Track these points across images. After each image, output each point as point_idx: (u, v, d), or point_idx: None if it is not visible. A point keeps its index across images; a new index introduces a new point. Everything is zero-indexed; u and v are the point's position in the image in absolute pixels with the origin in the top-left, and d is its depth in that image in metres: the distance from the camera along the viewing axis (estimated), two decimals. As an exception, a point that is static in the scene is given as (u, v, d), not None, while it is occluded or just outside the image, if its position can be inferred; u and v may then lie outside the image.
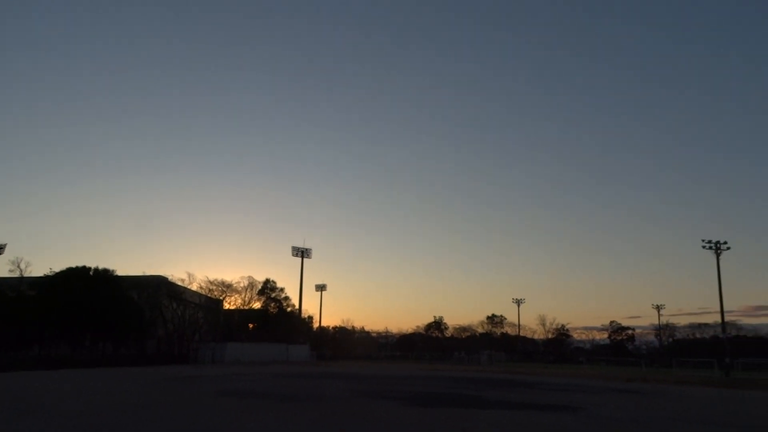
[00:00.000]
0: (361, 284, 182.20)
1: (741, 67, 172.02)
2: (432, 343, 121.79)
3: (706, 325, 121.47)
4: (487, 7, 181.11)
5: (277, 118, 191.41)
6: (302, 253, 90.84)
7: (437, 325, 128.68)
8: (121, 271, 58.21)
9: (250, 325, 79.98)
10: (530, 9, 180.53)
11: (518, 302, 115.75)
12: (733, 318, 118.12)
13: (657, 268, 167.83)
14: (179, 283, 71.39)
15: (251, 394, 22.57)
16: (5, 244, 61.50)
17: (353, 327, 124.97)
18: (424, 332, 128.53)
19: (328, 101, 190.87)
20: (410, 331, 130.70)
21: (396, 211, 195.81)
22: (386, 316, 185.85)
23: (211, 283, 76.48)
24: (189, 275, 77.57)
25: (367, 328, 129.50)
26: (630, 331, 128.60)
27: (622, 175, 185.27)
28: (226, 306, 79.15)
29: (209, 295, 76.87)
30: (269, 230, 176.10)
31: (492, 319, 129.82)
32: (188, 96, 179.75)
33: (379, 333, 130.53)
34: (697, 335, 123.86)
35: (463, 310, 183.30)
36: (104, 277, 55.81)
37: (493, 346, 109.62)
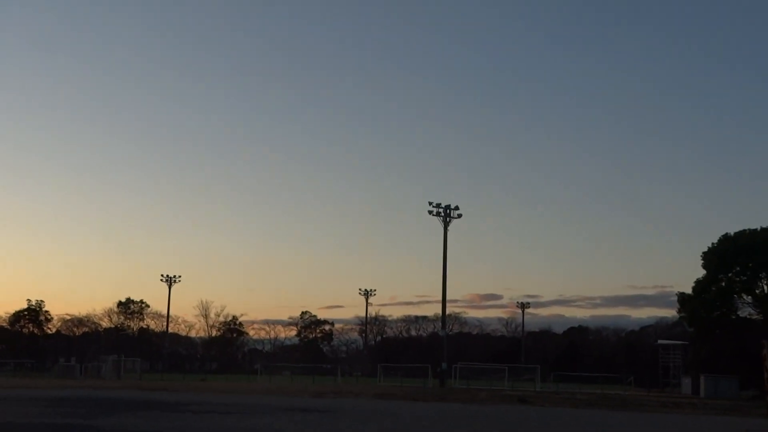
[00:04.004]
0: None
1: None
2: (23, 343, 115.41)
3: (424, 318, 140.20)
4: None
5: None
6: None
7: (34, 314, 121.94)
8: None
9: None
10: None
11: (169, 281, 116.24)
12: (457, 309, 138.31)
13: (370, 242, 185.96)
14: None
15: None
16: None
17: None
18: (9, 326, 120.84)
19: None
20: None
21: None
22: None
23: None
24: None
25: None
26: (328, 326, 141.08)
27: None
28: None
29: None
30: None
31: (126, 306, 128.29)
32: None
33: None
34: (413, 332, 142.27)
35: (81, 294, 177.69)
36: None
37: (126, 349, 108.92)
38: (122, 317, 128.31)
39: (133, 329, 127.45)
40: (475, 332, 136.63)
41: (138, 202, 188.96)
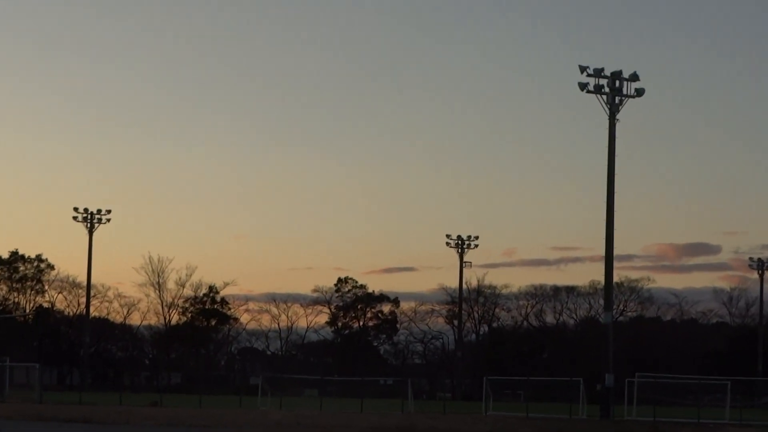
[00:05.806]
0: None
1: None
2: None
3: (571, 290, 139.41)
4: None
5: None
6: None
7: None
8: None
9: None
10: None
11: (90, 221, 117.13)
12: (634, 272, 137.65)
13: (465, 150, 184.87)
14: None
15: None
16: None
17: None
18: None
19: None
20: None
21: None
22: None
23: None
24: None
25: None
26: (388, 306, 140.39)
27: None
28: None
29: None
30: None
31: (12, 268, 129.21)
32: None
33: None
34: (549, 316, 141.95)
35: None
36: None
37: (14, 346, 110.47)
38: (4, 288, 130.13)
39: (24, 309, 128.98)
40: (668, 316, 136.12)
41: (33, 95, 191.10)
